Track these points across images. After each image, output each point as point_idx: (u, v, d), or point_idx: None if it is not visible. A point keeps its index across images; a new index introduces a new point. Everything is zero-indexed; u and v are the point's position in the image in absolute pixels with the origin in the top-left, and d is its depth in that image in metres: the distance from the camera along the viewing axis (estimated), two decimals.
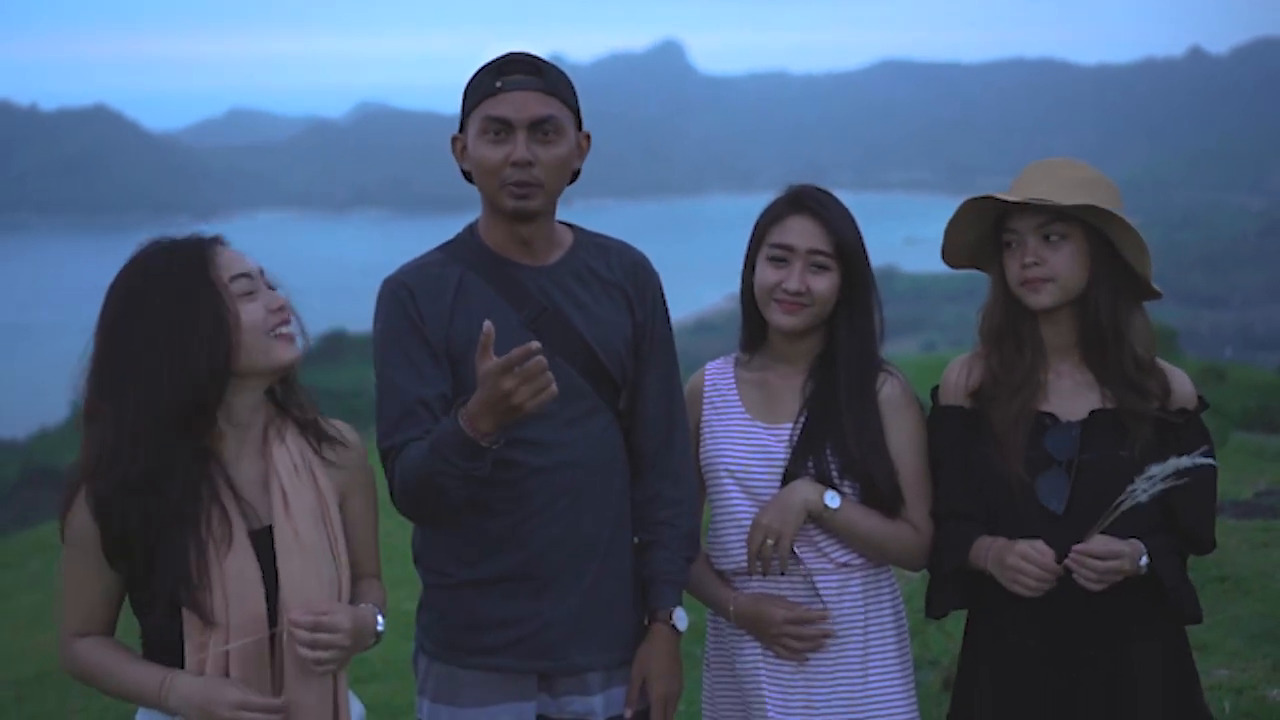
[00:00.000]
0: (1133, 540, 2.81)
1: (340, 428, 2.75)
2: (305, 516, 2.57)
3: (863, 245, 3.05)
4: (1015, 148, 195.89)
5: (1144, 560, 2.82)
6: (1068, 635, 2.90)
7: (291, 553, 2.54)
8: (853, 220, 3.05)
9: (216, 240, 2.59)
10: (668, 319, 3.07)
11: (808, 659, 3.02)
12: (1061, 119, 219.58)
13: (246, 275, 2.56)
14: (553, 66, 2.88)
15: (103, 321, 2.51)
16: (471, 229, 2.98)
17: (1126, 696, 2.90)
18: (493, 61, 2.87)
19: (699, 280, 76.05)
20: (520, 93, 2.82)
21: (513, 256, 2.92)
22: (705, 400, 3.15)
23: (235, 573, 2.51)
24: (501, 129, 2.82)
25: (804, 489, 3.00)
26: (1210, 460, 2.81)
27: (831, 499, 2.99)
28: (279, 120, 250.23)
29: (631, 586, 2.98)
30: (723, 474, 3.10)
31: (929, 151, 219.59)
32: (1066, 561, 2.78)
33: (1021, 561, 2.81)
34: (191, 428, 2.50)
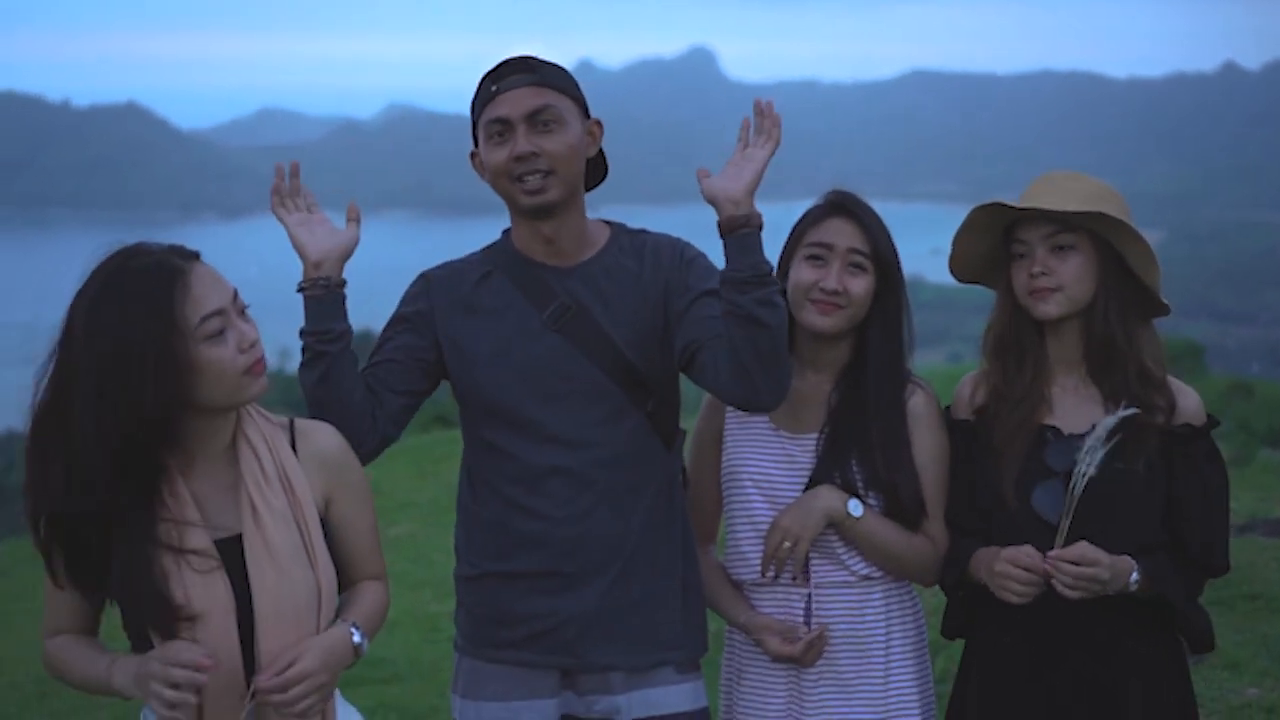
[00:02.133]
0: (1124, 556, 2.76)
1: (317, 428, 2.67)
2: (276, 522, 2.50)
3: (896, 255, 3.04)
4: (1043, 161, 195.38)
5: (1134, 577, 2.77)
6: (1054, 640, 2.86)
7: (263, 563, 2.48)
8: (888, 231, 3.04)
9: (189, 268, 2.43)
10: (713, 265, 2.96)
11: (835, 668, 2.99)
12: (1091, 132, 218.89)
13: (218, 313, 2.43)
14: (546, 62, 2.89)
15: (62, 341, 2.40)
16: (507, 233, 3.00)
17: (1112, 709, 2.84)
18: (489, 71, 2.91)
19: None
20: (513, 91, 2.85)
21: (538, 257, 2.92)
22: (729, 408, 3.11)
23: (201, 585, 2.44)
24: (504, 129, 2.84)
25: (827, 495, 2.98)
26: (1135, 409, 2.77)
27: (855, 507, 2.96)
28: (308, 120, 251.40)
29: (673, 592, 2.95)
30: (746, 482, 3.07)
31: (956, 163, 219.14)
32: (1044, 565, 2.74)
33: (1008, 567, 2.77)
34: (144, 455, 2.41)
